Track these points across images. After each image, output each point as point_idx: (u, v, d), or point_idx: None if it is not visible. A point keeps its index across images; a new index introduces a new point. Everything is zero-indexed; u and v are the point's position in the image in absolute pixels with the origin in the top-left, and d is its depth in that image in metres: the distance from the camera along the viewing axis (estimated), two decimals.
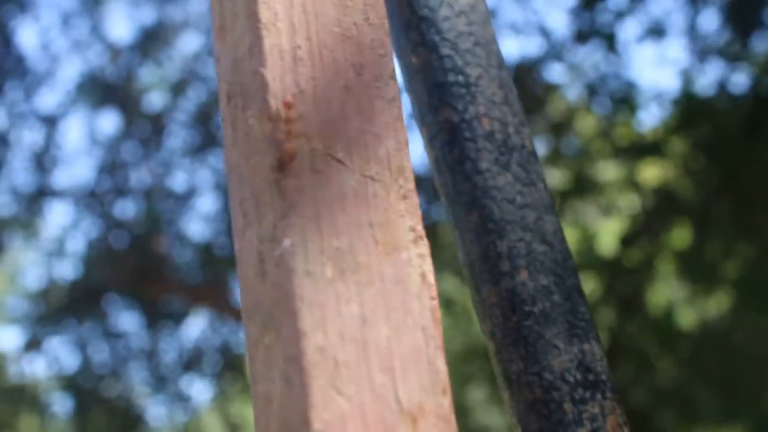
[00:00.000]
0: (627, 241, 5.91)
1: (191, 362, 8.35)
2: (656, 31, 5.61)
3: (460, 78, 0.85)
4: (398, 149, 0.68)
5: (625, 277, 5.93)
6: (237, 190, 0.67)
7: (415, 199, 0.68)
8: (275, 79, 0.65)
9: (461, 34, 0.87)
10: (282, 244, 0.61)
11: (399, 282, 0.63)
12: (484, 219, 0.81)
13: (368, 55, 0.72)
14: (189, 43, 8.02)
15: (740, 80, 5.53)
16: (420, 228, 0.67)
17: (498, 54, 0.88)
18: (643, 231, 5.92)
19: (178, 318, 8.27)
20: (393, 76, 0.71)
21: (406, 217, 0.67)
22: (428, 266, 0.65)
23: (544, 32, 5.68)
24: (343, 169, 0.65)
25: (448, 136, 0.83)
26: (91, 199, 7.90)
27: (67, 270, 8.11)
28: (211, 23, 0.75)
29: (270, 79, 0.65)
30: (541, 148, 6.22)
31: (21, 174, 7.85)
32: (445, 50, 0.86)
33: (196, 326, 8.36)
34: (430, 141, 0.85)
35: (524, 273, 0.79)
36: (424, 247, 0.67)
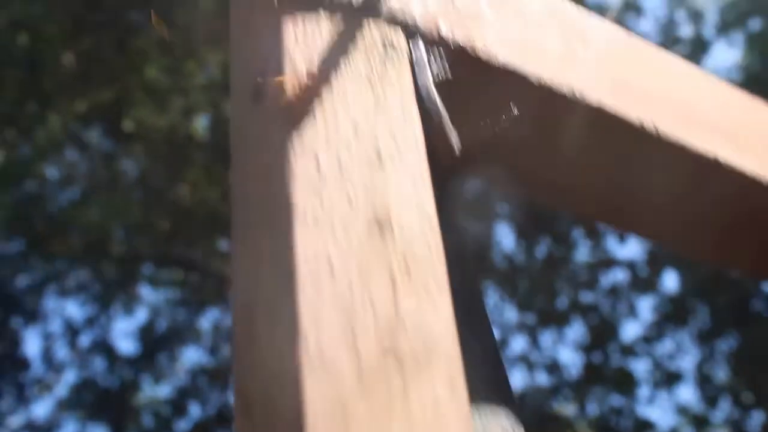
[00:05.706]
0: None
1: None
2: (668, 378, 5.62)
3: None
4: None
5: None
6: None
7: None
8: None
9: None
10: None
11: None
12: None
13: None
14: (191, 356, 8.05)
15: (754, 421, 5.47)
16: None
17: None
18: None
19: None
20: None
21: None
22: None
23: (555, 367, 5.69)
24: None
25: None
26: None
27: None
28: None
29: None
30: None
31: None
32: None
33: None
34: None
35: None
36: None
